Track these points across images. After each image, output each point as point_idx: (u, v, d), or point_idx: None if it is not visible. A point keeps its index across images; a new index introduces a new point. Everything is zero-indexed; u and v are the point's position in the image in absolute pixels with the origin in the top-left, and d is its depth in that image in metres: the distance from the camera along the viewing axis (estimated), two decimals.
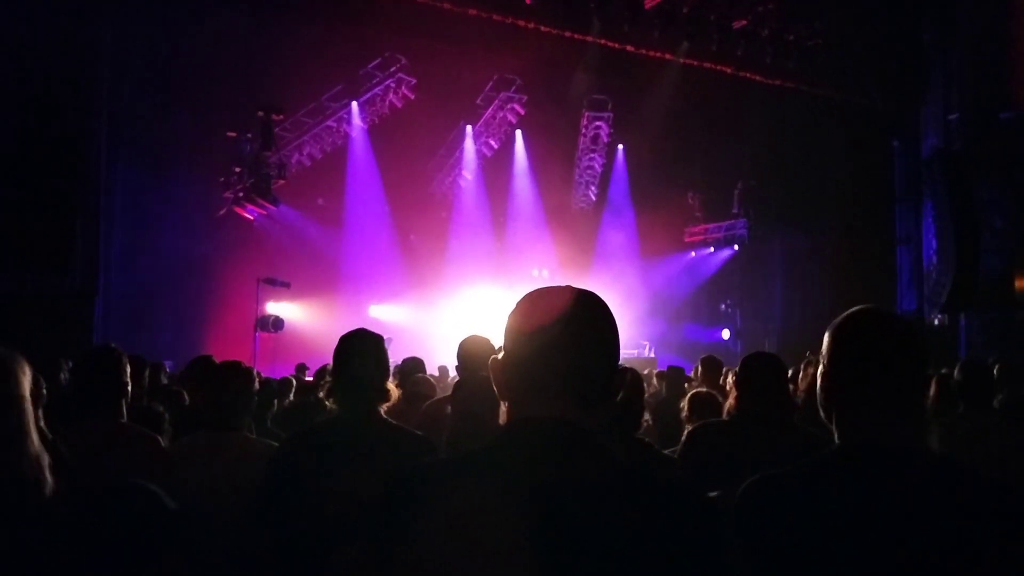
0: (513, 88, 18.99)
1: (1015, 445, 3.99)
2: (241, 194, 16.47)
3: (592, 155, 21.13)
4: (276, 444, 3.33)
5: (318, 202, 18.74)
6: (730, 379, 3.81)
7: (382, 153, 18.46)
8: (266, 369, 11.63)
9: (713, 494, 2.69)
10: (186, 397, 4.82)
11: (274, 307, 16.69)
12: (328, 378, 3.00)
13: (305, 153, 17.90)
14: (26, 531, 1.73)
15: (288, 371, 10.10)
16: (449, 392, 4.22)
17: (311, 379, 7.96)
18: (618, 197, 21.49)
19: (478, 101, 19.39)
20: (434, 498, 1.35)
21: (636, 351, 18.54)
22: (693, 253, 21.76)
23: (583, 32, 15.91)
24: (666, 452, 3.78)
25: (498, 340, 1.49)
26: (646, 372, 8.50)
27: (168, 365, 7.91)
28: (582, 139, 20.81)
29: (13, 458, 1.71)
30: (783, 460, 1.71)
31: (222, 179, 16.72)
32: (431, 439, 3.02)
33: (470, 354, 3.87)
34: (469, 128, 19.84)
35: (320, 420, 3.03)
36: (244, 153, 16.51)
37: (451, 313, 17.62)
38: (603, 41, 16.01)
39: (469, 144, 19.95)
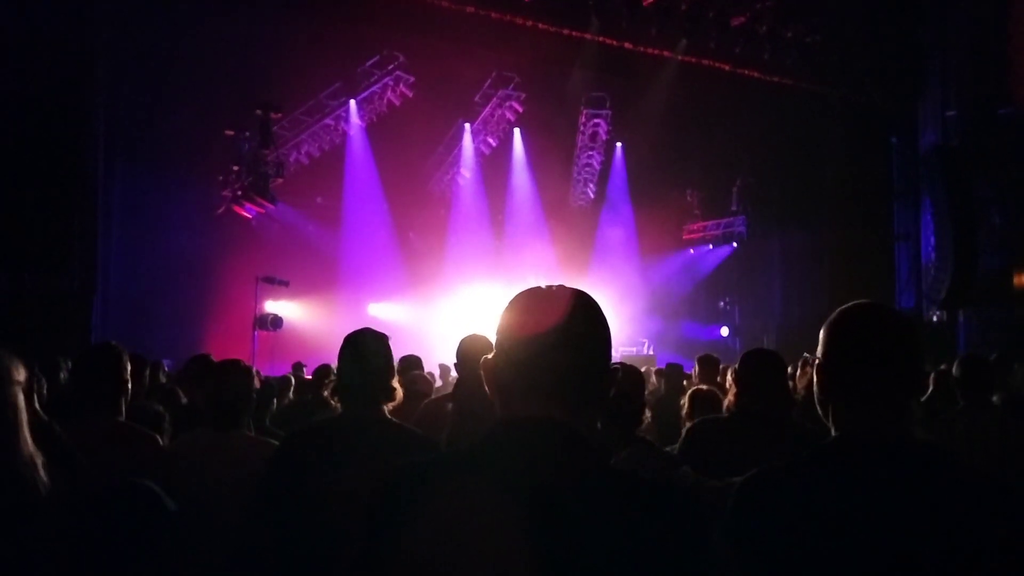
0: (511, 86, 18.98)
1: (1014, 440, 3.99)
2: (239, 192, 16.45)
3: (591, 152, 21.12)
4: (275, 443, 3.33)
5: (316, 200, 18.74)
6: (729, 376, 3.81)
7: (380, 151, 18.45)
8: (265, 367, 11.63)
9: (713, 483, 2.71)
10: (181, 395, 4.82)
11: (273, 305, 16.68)
12: (333, 377, 3.00)
13: (303, 151, 17.88)
14: (24, 530, 1.73)
15: (287, 370, 10.09)
16: (450, 390, 4.22)
17: (309, 378, 7.97)
18: (616, 195, 21.49)
19: (476, 99, 19.38)
20: (427, 496, 1.35)
21: (635, 348, 18.55)
22: (692, 250, 21.77)
23: (581, 29, 15.89)
24: (666, 450, 3.78)
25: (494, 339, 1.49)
26: (644, 369, 8.50)
27: (167, 364, 7.91)
28: (580, 137, 20.80)
29: (7, 458, 1.71)
30: (782, 456, 1.71)
31: (220, 178, 16.70)
32: (432, 438, 3.03)
33: (469, 353, 3.86)
34: (467, 126, 19.83)
35: (324, 419, 3.03)
36: (242, 151, 16.49)
37: (450, 311, 17.62)
38: (601, 38, 15.99)
39: (467, 142, 19.94)
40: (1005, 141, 15.86)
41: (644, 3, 15.38)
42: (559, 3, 15.26)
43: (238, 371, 3.41)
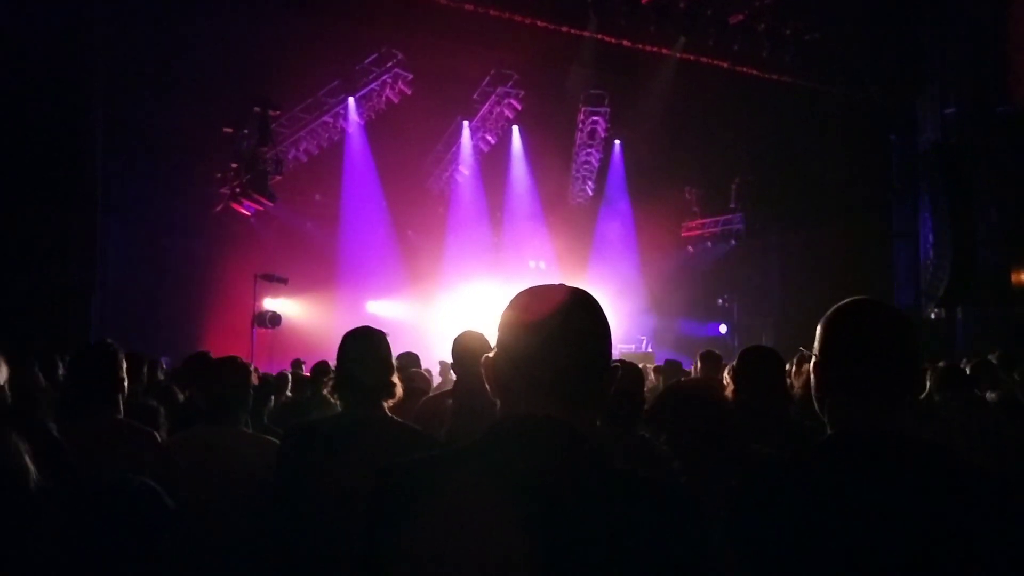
0: (510, 83, 18.98)
1: (1012, 436, 4.00)
2: (238, 190, 16.45)
3: (589, 150, 21.12)
4: (273, 439, 3.33)
5: (315, 198, 18.73)
6: (727, 373, 3.82)
7: (379, 149, 18.44)
8: (264, 365, 11.62)
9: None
10: (178, 393, 4.82)
11: (271, 303, 16.67)
12: (332, 374, 3.00)
13: (302, 149, 17.88)
14: (20, 528, 1.72)
15: (286, 367, 10.08)
16: (449, 387, 4.23)
17: (307, 375, 7.96)
18: (615, 192, 21.49)
19: (475, 96, 19.38)
20: (428, 493, 1.35)
21: (633, 346, 18.56)
22: (690, 248, 21.77)
23: (580, 27, 15.88)
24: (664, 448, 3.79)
25: (494, 336, 1.49)
26: (641, 367, 8.50)
27: (165, 361, 7.90)
28: (579, 134, 20.80)
29: None
30: (768, 439, 1.72)
31: (219, 175, 16.70)
32: (432, 435, 3.03)
33: (465, 350, 3.87)
34: (466, 123, 19.82)
35: (324, 416, 3.03)
36: (241, 149, 16.49)
37: (449, 308, 17.62)
38: (600, 36, 15.98)
39: (466, 139, 19.93)
40: (1004, 139, 15.87)
41: (642, 1, 15.38)
42: (558, 1, 15.25)
43: (235, 368, 3.41)
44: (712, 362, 6.14)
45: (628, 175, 21.33)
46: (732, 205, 20.77)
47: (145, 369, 5.39)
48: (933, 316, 16.82)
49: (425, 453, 1.55)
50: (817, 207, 18.71)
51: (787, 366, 4.09)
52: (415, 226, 20.01)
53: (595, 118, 20.42)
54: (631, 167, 21.24)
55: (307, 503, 2.72)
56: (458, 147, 20.04)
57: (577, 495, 1.31)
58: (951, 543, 1.48)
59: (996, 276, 15.86)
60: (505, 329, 1.44)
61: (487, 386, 1.46)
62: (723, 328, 20.58)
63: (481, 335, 3.94)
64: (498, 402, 1.45)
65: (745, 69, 16.95)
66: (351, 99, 17.86)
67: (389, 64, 17.55)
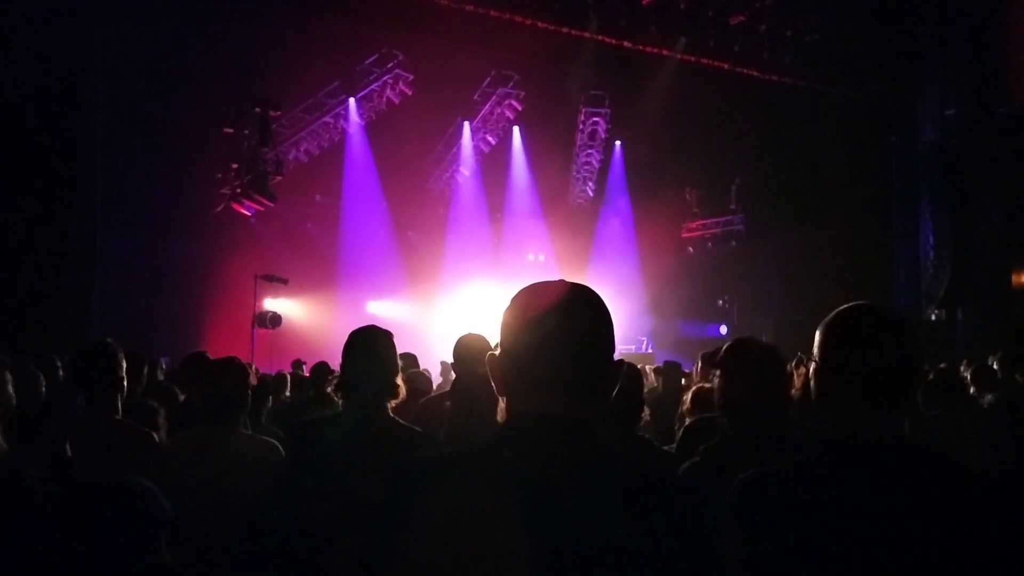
0: (511, 84, 18.97)
1: (1008, 438, 4.00)
2: (238, 190, 16.44)
3: (590, 151, 21.11)
4: (271, 440, 3.33)
5: (316, 198, 18.73)
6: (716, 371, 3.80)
7: (379, 149, 18.43)
8: (264, 365, 11.62)
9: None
10: (179, 393, 4.81)
11: (272, 303, 16.66)
12: (333, 374, 3.00)
13: (302, 149, 17.88)
14: (19, 528, 1.73)
15: (287, 367, 10.09)
16: (450, 388, 4.23)
17: (307, 375, 7.97)
18: (615, 193, 21.49)
19: (475, 97, 19.37)
20: (436, 492, 1.35)
21: (633, 347, 18.55)
22: (691, 249, 21.76)
23: (580, 28, 15.87)
24: (664, 448, 3.78)
25: (495, 337, 1.49)
26: (640, 367, 8.49)
27: (165, 362, 7.90)
28: (580, 135, 20.79)
29: None
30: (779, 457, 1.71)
31: (219, 175, 16.68)
32: (432, 436, 3.03)
33: (466, 351, 3.87)
34: (467, 124, 19.81)
35: (328, 415, 3.02)
36: (241, 149, 16.49)
37: (449, 309, 17.63)
38: (601, 37, 15.98)
39: (467, 140, 19.92)
40: (1004, 140, 15.86)
41: (643, 1, 15.39)
42: (558, 1, 15.25)
43: (234, 368, 3.40)
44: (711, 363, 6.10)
45: (628, 176, 21.32)
46: (732, 206, 20.76)
47: (145, 370, 5.39)
48: (933, 317, 16.83)
49: (437, 452, 1.55)
50: (817, 208, 18.70)
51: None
52: (415, 227, 20.00)
53: (595, 119, 20.42)
54: (631, 168, 21.23)
55: (308, 503, 2.72)
56: (458, 148, 20.04)
57: (589, 491, 1.31)
58: (951, 547, 1.47)
59: (996, 277, 15.87)
60: (507, 328, 1.44)
61: (493, 385, 1.46)
62: (723, 329, 20.57)
63: (482, 337, 3.94)
64: (503, 401, 1.45)
65: (746, 70, 16.95)
66: (352, 99, 17.85)
67: (390, 65, 17.55)
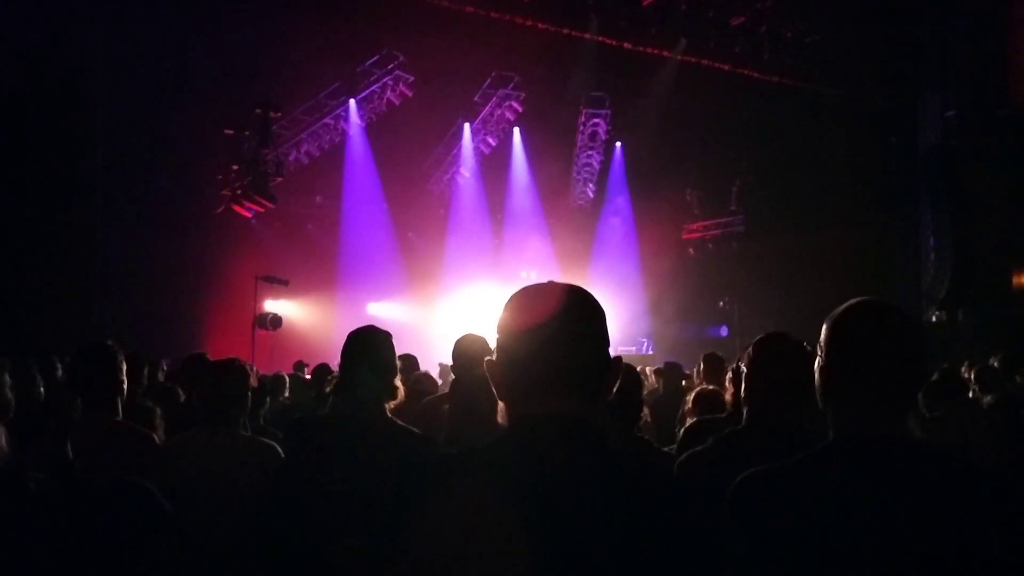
0: (511, 85, 18.98)
1: (1011, 440, 4.00)
2: (239, 192, 16.45)
3: (590, 152, 21.12)
4: (270, 442, 3.33)
5: (316, 200, 18.75)
6: (729, 375, 3.80)
7: (380, 151, 18.44)
8: (265, 367, 11.61)
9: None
10: (181, 394, 4.81)
11: (272, 305, 16.68)
12: (335, 374, 3.00)
13: (303, 151, 17.88)
14: (18, 529, 1.72)
15: (287, 369, 10.08)
16: (448, 389, 4.22)
17: (309, 377, 7.97)
18: (616, 194, 21.49)
19: (476, 98, 19.37)
20: (442, 493, 1.36)
21: (634, 348, 18.55)
22: (691, 250, 21.76)
23: (581, 29, 15.88)
24: (664, 449, 3.78)
25: (493, 339, 1.50)
26: (640, 368, 8.49)
27: (166, 363, 7.89)
28: (580, 136, 20.79)
29: None
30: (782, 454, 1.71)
31: (220, 177, 16.69)
32: (433, 438, 3.03)
33: (465, 353, 3.87)
34: (467, 125, 19.82)
35: (326, 415, 3.02)
36: (242, 151, 16.50)
37: (449, 310, 17.63)
38: (601, 38, 15.98)
39: (467, 141, 19.93)
40: (1004, 141, 15.85)
41: (644, 3, 15.39)
42: (559, 3, 15.27)
43: (234, 370, 3.39)
44: (714, 365, 6.09)
45: (629, 177, 21.32)
46: (733, 207, 20.75)
47: (146, 371, 5.39)
48: (934, 318, 16.81)
49: (441, 453, 1.55)
50: (818, 209, 18.69)
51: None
52: (416, 228, 20.01)
53: (596, 120, 20.42)
54: (632, 169, 21.23)
55: (306, 503, 2.72)
56: (459, 149, 20.04)
57: (594, 490, 1.32)
58: (953, 547, 1.47)
59: (997, 278, 15.85)
60: (505, 331, 1.45)
61: (494, 389, 1.47)
62: (724, 330, 20.57)
63: (482, 338, 3.94)
64: (504, 403, 1.46)
65: (746, 71, 16.96)
66: (352, 101, 17.86)
67: (390, 66, 17.55)
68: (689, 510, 1.35)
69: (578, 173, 21.54)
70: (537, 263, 19.71)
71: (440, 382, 8.04)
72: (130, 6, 13.82)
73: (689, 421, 3.76)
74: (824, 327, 1.70)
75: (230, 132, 16.25)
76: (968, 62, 16.55)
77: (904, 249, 18.39)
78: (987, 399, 4.71)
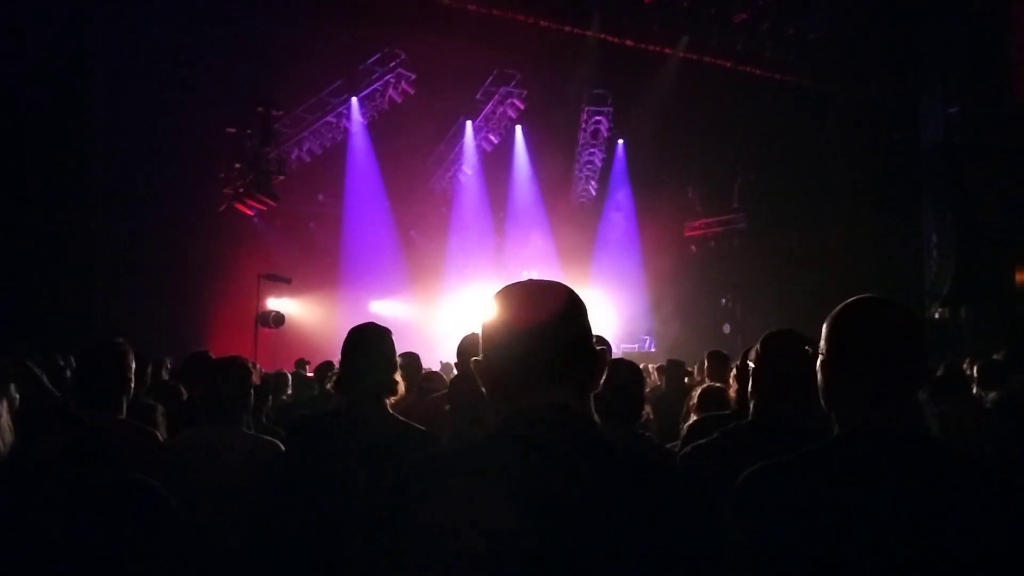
0: (513, 83, 18.97)
1: (1012, 436, 4.00)
2: (241, 190, 16.45)
3: (592, 150, 21.10)
4: (273, 440, 3.33)
5: (318, 198, 18.75)
6: (733, 371, 3.80)
7: (382, 149, 18.44)
8: (268, 365, 11.62)
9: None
10: (184, 392, 4.82)
11: (275, 303, 16.70)
12: (336, 370, 3.01)
13: (305, 149, 17.89)
14: (26, 526, 1.73)
15: (289, 367, 10.09)
16: (450, 386, 4.23)
17: (311, 375, 7.97)
18: (618, 191, 21.47)
19: (478, 96, 19.36)
20: (441, 490, 1.37)
21: (636, 345, 18.54)
22: (693, 247, 21.73)
23: (583, 27, 15.88)
24: (667, 447, 3.78)
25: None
26: (642, 366, 8.48)
27: (170, 362, 7.90)
28: (582, 134, 20.78)
29: None
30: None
31: (222, 175, 16.69)
32: (434, 433, 3.03)
33: (471, 351, 3.87)
34: (469, 123, 19.81)
35: (327, 411, 3.03)
36: (244, 149, 16.50)
37: (451, 308, 17.63)
38: (603, 35, 15.98)
39: (469, 139, 19.92)
40: (1007, 138, 15.83)
41: (645, 0, 15.37)
42: (560, 0, 15.24)
43: (237, 368, 3.40)
44: (719, 362, 6.08)
45: (631, 174, 21.30)
46: (735, 204, 20.72)
47: (149, 369, 5.40)
48: (937, 315, 16.79)
49: (441, 449, 1.57)
50: (820, 206, 18.67)
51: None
52: (418, 226, 20.02)
53: (598, 118, 20.41)
54: (634, 166, 21.21)
55: (308, 498, 2.73)
56: (461, 147, 20.03)
57: (591, 481, 1.34)
58: (956, 540, 1.48)
59: (1000, 275, 15.83)
60: (492, 330, 1.48)
61: (483, 388, 1.49)
62: (726, 328, 20.56)
63: None
64: (499, 400, 1.47)
65: (748, 68, 16.94)
66: (354, 99, 17.86)
67: (392, 64, 17.55)
68: (689, 497, 1.37)
69: (580, 171, 21.52)
70: (539, 261, 19.71)
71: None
72: (131, 5, 13.82)
73: (693, 418, 3.76)
74: (826, 323, 1.71)
75: (232, 130, 16.26)
76: (970, 59, 16.52)
77: (906, 246, 18.35)
78: (990, 396, 4.72)
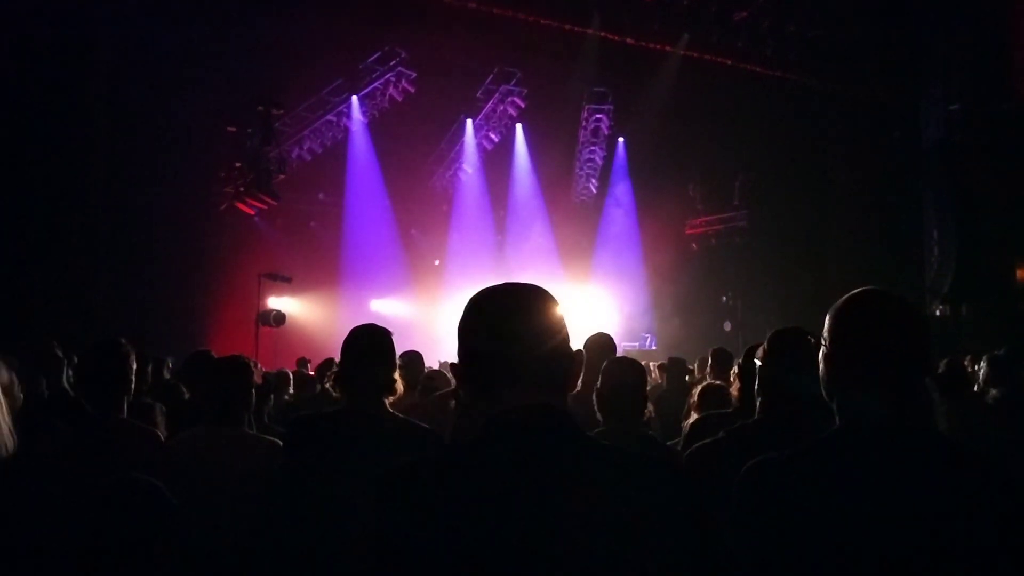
0: (513, 81, 18.95)
1: (1015, 432, 4.00)
2: (242, 189, 16.45)
3: (592, 148, 21.09)
4: (274, 439, 3.33)
5: (319, 197, 18.74)
6: (735, 369, 3.79)
7: (382, 147, 18.43)
8: (268, 364, 11.62)
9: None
10: (184, 391, 4.82)
11: (276, 302, 16.70)
12: (335, 369, 3.02)
13: (305, 148, 17.88)
14: (28, 526, 1.73)
15: (290, 366, 10.09)
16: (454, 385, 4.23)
17: (312, 374, 7.97)
18: (618, 190, 21.47)
19: (478, 94, 19.35)
20: (425, 493, 1.39)
21: (637, 343, 18.53)
22: (694, 245, 21.72)
23: (583, 25, 15.87)
24: (668, 444, 3.78)
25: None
26: (644, 363, 8.47)
27: (171, 361, 7.90)
28: (582, 132, 20.77)
29: None
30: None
31: (223, 174, 16.70)
32: (437, 431, 3.03)
33: None
34: (469, 121, 19.80)
35: (326, 411, 3.03)
36: (244, 148, 16.50)
37: (452, 307, 17.59)
38: (603, 33, 15.97)
39: (469, 138, 19.92)
40: (1008, 136, 15.83)
41: None
42: None
43: (237, 367, 3.39)
44: (723, 359, 6.06)
45: (631, 172, 21.30)
46: (736, 202, 20.70)
47: (150, 369, 5.40)
48: (938, 312, 16.79)
49: (425, 454, 1.59)
50: (821, 204, 18.69)
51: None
52: (419, 225, 20.01)
53: (598, 116, 20.40)
54: (634, 164, 21.20)
55: (307, 497, 2.73)
56: (461, 145, 20.03)
57: (573, 477, 1.36)
58: (959, 532, 1.49)
59: (1000, 272, 15.83)
60: (471, 332, 1.50)
61: (463, 392, 1.54)
62: (727, 325, 20.56)
63: None
64: (483, 402, 1.49)
65: (749, 66, 16.93)
66: (355, 97, 17.85)
67: (392, 62, 17.54)
68: (678, 492, 1.39)
69: (580, 169, 21.52)
70: (540, 259, 19.71)
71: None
72: (132, 3, 13.81)
73: (695, 416, 3.76)
74: (828, 315, 1.72)
75: (233, 129, 16.26)
76: (972, 57, 16.51)
77: (907, 244, 18.35)
78: (992, 392, 4.72)
